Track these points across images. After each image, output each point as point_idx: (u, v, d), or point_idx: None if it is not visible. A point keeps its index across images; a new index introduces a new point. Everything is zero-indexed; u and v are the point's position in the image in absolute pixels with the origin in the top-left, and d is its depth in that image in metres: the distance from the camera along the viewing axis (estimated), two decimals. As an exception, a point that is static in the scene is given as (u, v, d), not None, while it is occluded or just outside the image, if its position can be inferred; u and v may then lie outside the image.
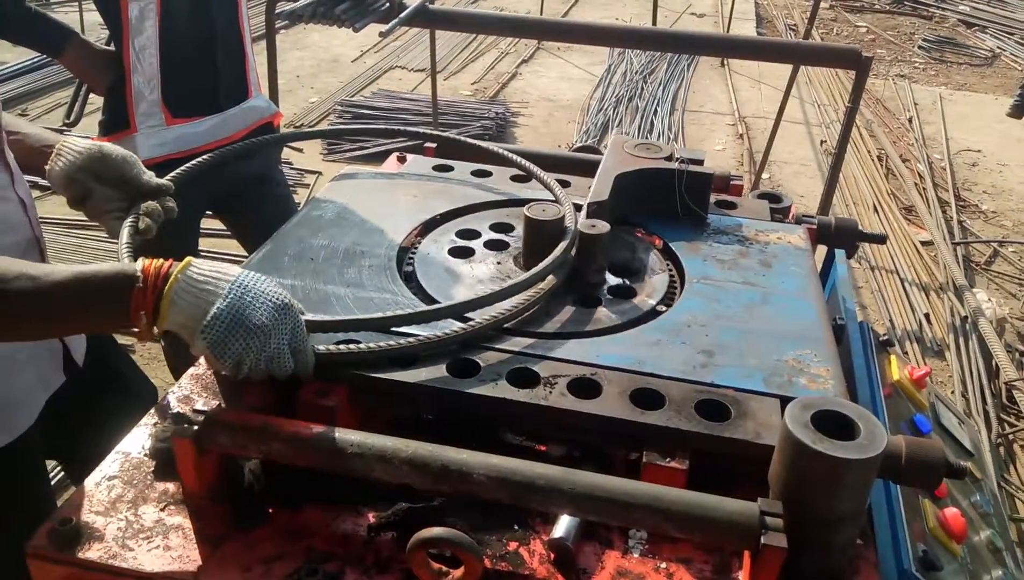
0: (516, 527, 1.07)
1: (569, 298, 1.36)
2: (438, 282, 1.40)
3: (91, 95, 2.53)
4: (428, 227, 1.59)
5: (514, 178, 1.79)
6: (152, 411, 1.25)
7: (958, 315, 4.06)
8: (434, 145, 1.99)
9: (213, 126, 2.38)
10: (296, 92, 6.59)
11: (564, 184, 1.67)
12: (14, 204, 1.39)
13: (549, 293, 1.30)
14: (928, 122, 6.60)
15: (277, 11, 3.46)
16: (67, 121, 2.56)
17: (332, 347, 1.15)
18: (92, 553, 1.01)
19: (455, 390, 1.12)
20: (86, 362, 1.60)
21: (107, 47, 2.34)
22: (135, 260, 1.07)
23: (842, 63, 3.04)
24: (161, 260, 1.04)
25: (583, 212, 1.47)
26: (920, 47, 8.68)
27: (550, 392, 1.12)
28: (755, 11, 9.60)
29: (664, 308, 1.37)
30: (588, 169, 1.69)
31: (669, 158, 1.65)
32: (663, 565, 1.03)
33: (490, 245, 1.53)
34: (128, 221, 1.34)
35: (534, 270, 1.31)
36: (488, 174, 1.82)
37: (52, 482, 1.76)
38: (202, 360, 1.34)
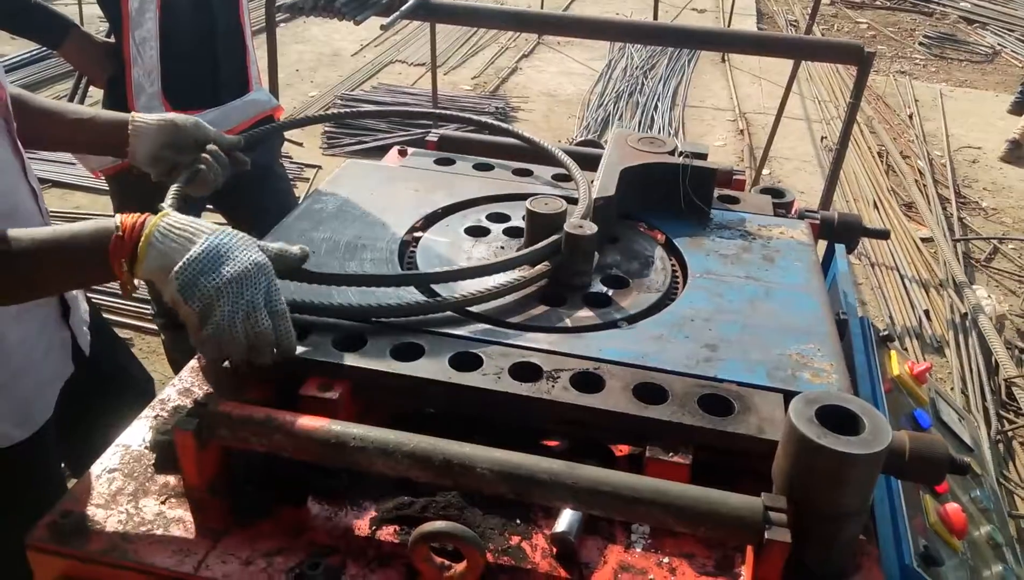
0: (518, 521, 1.06)
1: (539, 294, 1.34)
2: (435, 265, 1.39)
3: (91, 87, 2.52)
4: (430, 220, 1.58)
5: (516, 172, 1.79)
6: (153, 404, 1.24)
7: (958, 312, 4.06)
8: (435, 139, 1.99)
9: (213, 119, 2.35)
10: (296, 86, 6.58)
11: (565, 178, 1.67)
12: (25, 193, 1.39)
13: (529, 281, 1.30)
14: (928, 119, 6.59)
15: (277, 4, 3.46)
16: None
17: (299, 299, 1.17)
18: (93, 546, 1.00)
19: (457, 383, 1.12)
20: (92, 355, 1.60)
21: (107, 39, 2.33)
22: (177, 209, 1.14)
23: (844, 58, 3.04)
24: (139, 214, 1.07)
25: (579, 209, 1.45)
26: (921, 43, 8.68)
27: (553, 386, 1.12)
28: (756, 6, 9.59)
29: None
30: (589, 163, 1.69)
31: (673, 152, 1.64)
32: (666, 560, 1.02)
33: (491, 239, 1.52)
34: (182, 177, 1.41)
35: (516, 254, 1.31)
36: (490, 168, 1.81)
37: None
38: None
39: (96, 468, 1.12)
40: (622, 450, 1.19)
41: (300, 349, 1.14)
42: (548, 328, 1.26)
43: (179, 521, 1.05)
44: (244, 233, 1.08)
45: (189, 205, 1.51)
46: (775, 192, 1.78)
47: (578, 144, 2.11)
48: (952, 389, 3.55)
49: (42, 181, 4.74)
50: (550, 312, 1.30)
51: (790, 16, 9.30)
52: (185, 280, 1.01)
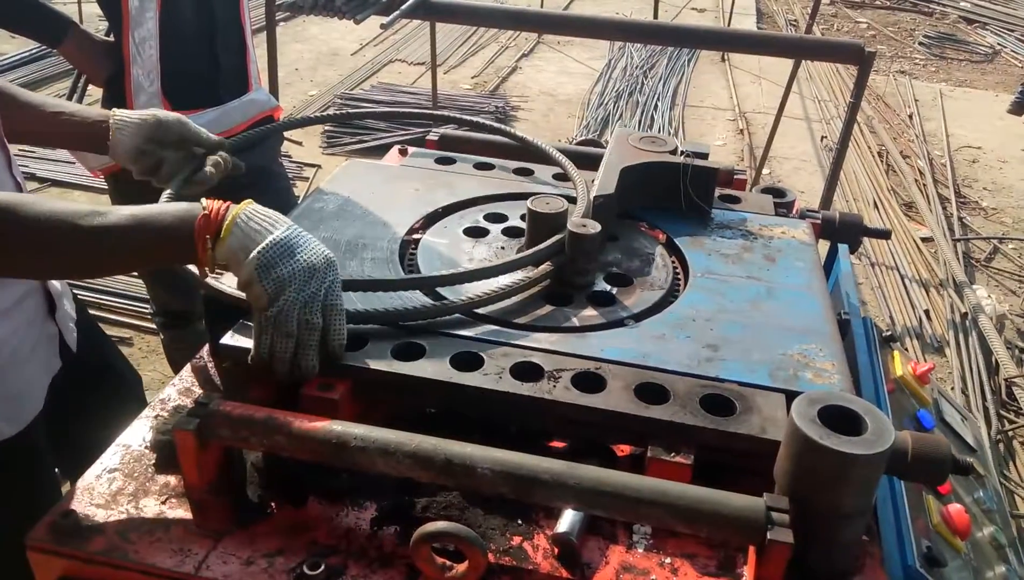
0: (520, 521, 1.06)
1: (543, 294, 1.34)
2: (436, 267, 1.39)
3: (90, 86, 2.52)
4: (430, 220, 1.58)
5: (517, 171, 1.78)
6: (153, 403, 1.24)
7: (958, 312, 4.06)
8: (436, 138, 1.98)
9: (213, 119, 2.37)
10: (295, 85, 6.57)
11: (564, 178, 1.66)
12: (11, 187, 1.38)
13: (534, 281, 1.30)
14: (928, 118, 6.59)
15: (277, 2, 3.45)
16: (66, 112, 2.54)
17: None
18: (92, 546, 1.00)
19: (458, 383, 1.11)
20: (79, 352, 1.60)
21: (107, 38, 2.32)
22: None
23: (845, 58, 3.03)
24: (223, 200, 1.11)
25: (579, 209, 1.45)
26: (921, 43, 8.67)
27: (554, 386, 1.11)
28: (756, 6, 9.59)
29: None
30: (591, 163, 1.68)
31: (674, 152, 1.64)
32: (668, 560, 1.02)
33: (491, 239, 1.52)
34: (181, 175, 1.41)
35: (520, 255, 1.31)
36: (491, 167, 1.81)
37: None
38: (204, 352, 1.34)
39: (96, 468, 1.12)
40: (623, 450, 1.19)
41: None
42: (553, 328, 1.26)
43: (179, 521, 1.04)
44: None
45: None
46: (776, 192, 1.78)
47: (579, 143, 2.11)
48: (952, 389, 3.55)
49: (41, 180, 4.73)
50: (555, 311, 1.30)
51: (790, 16, 9.29)
52: (265, 261, 1.05)
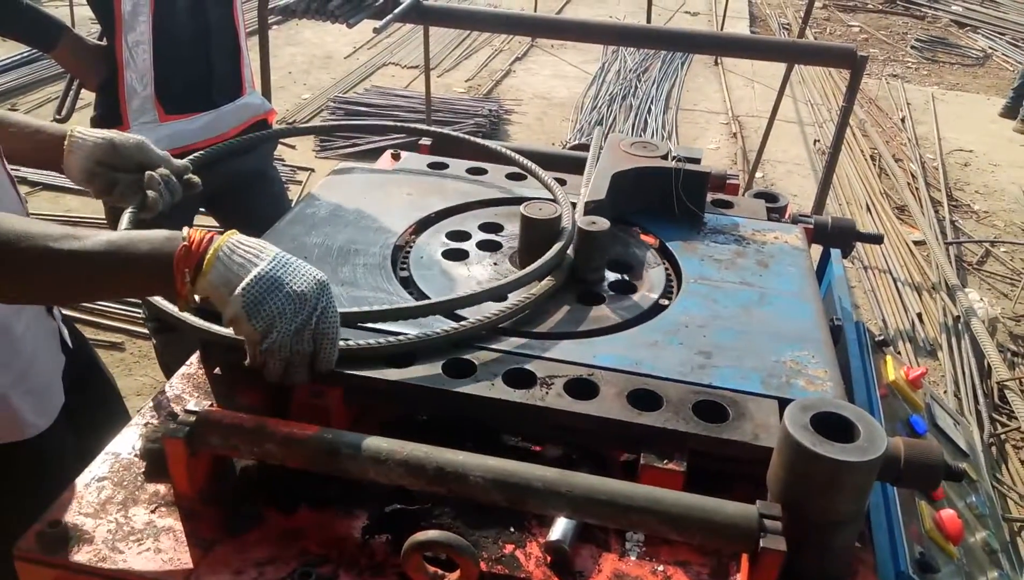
0: (512, 529, 1.05)
1: (569, 297, 1.35)
2: (433, 281, 1.39)
3: (83, 91, 2.50)
4: (423, 225, 1.57)
5: (510, 176, 1.78)
6: (143, 410, 1.23)
7: (950, 315, 4.07)
8: (429, 142, 1.98)
9: (207, 123, 2.36)
10: (288, 88, 6.56)
11: (560, 182, 1.66)
12: (6, 182, 1.39)
13: (546, 294, 1.29)
14: (921, 122, 6.62)
15: (270, 6, 3.44)
16: (58, 116, 2.53)
17: None
18: (81, 556, 0.99)
19: (450, 390, 1.11)
20: (73, 348, 1.61)
21: (99, 42, 2.31)
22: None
23: (837, 62, 3.04)
24: (206, 230, 1.06)
25: (579, 210, 1.46)
26: (913, 47, 8.71)
27: (547, 393, 1.11)
28: (749, 10, 9.61)
29: (667, 302, 1.37)
30: (584, 167, 1.68)
31: (666, 156, 1.64)
32: (660, 568, 1.02)
33: (485, 245, 1.51)
34: (136, 198, 1.36)
35: (528, 269, 1.30)
36: (483, 172, 1.80)
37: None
38: (194, 359, 1.33)
39: (85, 476, 1.11)
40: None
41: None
42: (582, 333, 1.27)
43: (169, 530, 1.04)
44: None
45: (180, 209, 1.51)
46: (769, 196, 1.78)
47: (572, 148, 2.11)
48: (945, 392, 3.56)
49: (32, 184, 4.71)
50: (582, 312, 1.31)
51: (783, 19, 9.32)
52: (251, 298, 1.01)
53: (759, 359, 1.21)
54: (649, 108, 6.42)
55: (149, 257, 1.04)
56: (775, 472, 0.94)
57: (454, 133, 1.89)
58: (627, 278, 1.43)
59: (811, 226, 1.68)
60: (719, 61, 7.64)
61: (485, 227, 1.56)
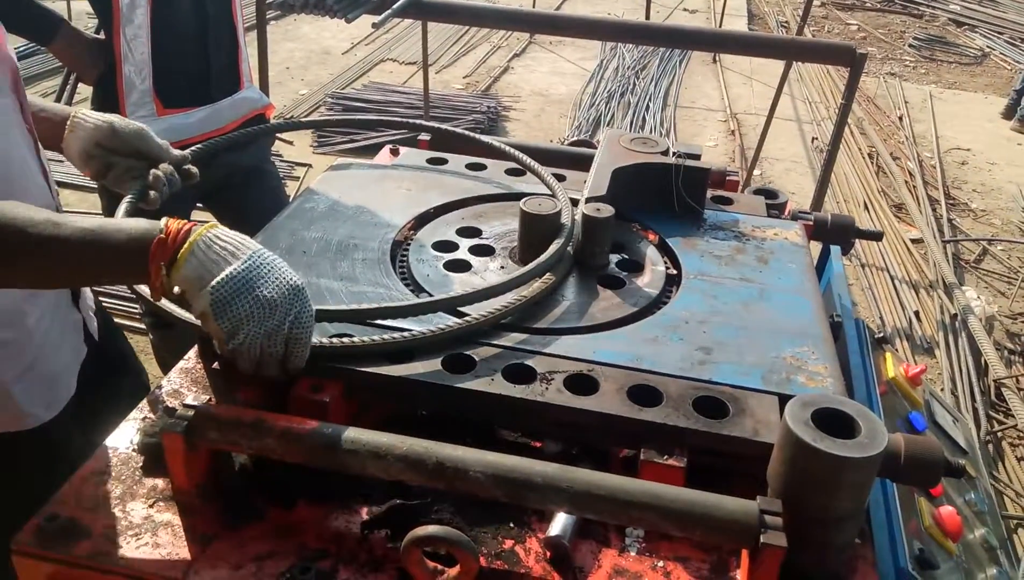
0: (512, 525, 1.05)
1: (569, 292, 1.35)
2: (432, 277, 1.38)
3: (80, 84, 2.50)
4: (422, 221, 1.57)
5: (509, 171, 1.78)
6: (140, 405, 1.23)
7: (948, 313, 4.08)
8: (428, 138, 1.98)
9: (204, 117, 2.35)
10: (286, 84, 6.54)
11: (559, 178, 1.66)
12: (36, 172, 1.39)
13: (546, 291, 1.29)
14: (918, 120, 6.62)
15: (268, 1, 3.43)
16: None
17: (325, 340, 1.13)
18: (79, 550, 0.99)
19: (450, 386, 1.10)
20: (100, 341, 1.61)
21: (97, 36, 2.30)
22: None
23: (836, 60, 3.04)
24: (186, 221, 1.05)
25: (580, 206, 1.46)
26: (911, 45, 8.71)
27: (547, 388, 1.11)
28: (747, 7, 9.61)
29: (672, 275, 1.39)
30: (584, 163, 1.68)
31: (666, 153, 1.63)
32: (660, 563, 1.02)
33: (485, 242, 1.51)
34: (135, 187, 1.35)
35: (531, 266, 1.29)
36: (483, 167, 1.80)
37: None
38: (192, 353, 1.32)
39: (83, 471, 1.11)
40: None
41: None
42: (582, 329, 1.27)
43: (167, 525, 1.03)
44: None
45: (176, 203, 1.51)
46: (768, 193, 1.78)
47: (571, 144, 2.10)
48: (942, 390, 3.57)
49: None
50: (582, 307, 1.32)
51: (781, 17, 9.32)
52: (219, 298, 1.00)
53: (759, 355, 1.20)
54: (647, 105, 6.42)
55: (126, 246, 1.03)
56: (776, 468, 0.94)
57: (453, 129, 1.88)
58: (627, 257, 1.45)
59: (811, 223, 1.68)
60: (717, 59, 7.63)
61: (485, 223, 1.56)
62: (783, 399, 1.09)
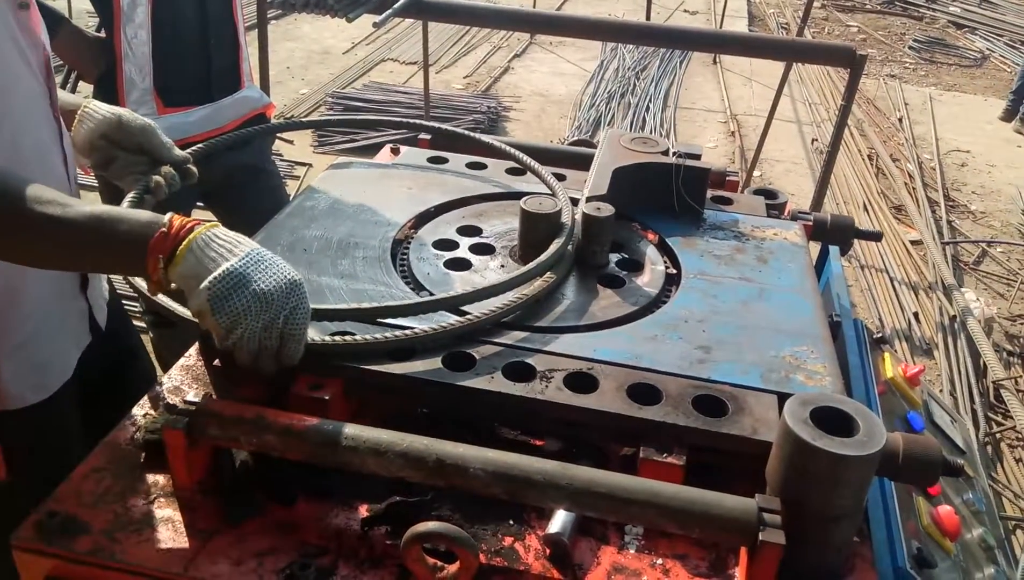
0: (511, 522, 1.05)
1: (570, 290, 1.35)
2: (433, 275, 1.39)
3: (80, 82, 2.50)
4: (422, 219, 1.57)
5: (509, 171, 1.78)
6: (141, 402, 1.23)
7: (947, 314, 4.08)
8: (428, 137, 1.98)
9: (205, 116, 2.36)
10: (286, 83, 6.55)
11: (560, 177, 1.66)
12: (57, 161, 1.40)
13: (546, 291, 1.29)
14: (918, 122, 6.63)
15: (268, 0, 3.44)
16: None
17: (327, 338, 1.13)
18: (80, 546, 0.99)
19: (450, 383, 1.11)
20: (108, 332, 1.61)
21: (98, 34, 2.31)
22: None
23: (836, 61, 3.04)
24: (190, 218, 1.06)
25: (581, 206, 1.46)
26: (911, 47, 8.72)
27: (546, 386, 1.11)
28: (747, 9, 9.62)
29: (671, 274, 1.39)
30: (584, 163, 1.68)
31: (666, 152, 1.64)
32: (659, 561, 1.02)
33: (485, 241, 1.51)
34: (139, 184, 1.36)
35: (532, 265, 1.30)
36: (483, 166, 1.80)
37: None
38: (192, 350, 1.33)
39: (83, 466, 1.11)
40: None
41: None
42: (582, 327, 1.27)
43: (168, 521, 1.03)
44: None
45: (177, 201, 1.51)
46: (768, 193, 1.78)
47: (571, 144, 2.11)
48: (941, 391, 3.57)
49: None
50: (582, 306, 1.32)
51: (781, 19, 9.33)
52: (216, 293, 1.00)
53: (758, 354, 1.21)
54: (647, 106, 6.42)
55: (127, 237, 1.04)
56: (774, 466, 0.94)
57: (454, 129, 1.88)
58: (627, 257, 1.46)
59: (810, 223, 1.68)
60: (717, 60, 7.64)
61: (485, 222, 1.56)
62: (782, 398, 1.09)
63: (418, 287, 1.36)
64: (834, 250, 1.78)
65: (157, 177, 1.38)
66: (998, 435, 3.36)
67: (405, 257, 1.45)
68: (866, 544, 1.05)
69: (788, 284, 1.41)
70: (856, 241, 1.79)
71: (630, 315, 1.30)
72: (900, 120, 6.59)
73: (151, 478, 1.10)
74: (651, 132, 5.98)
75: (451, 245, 1.48)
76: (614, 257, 1.46)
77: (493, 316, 1.20)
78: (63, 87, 2.53)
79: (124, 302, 3.68)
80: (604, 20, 3.70)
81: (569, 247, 1.39)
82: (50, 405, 1.44)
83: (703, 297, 1.35)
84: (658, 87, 6.80)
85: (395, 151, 1.91)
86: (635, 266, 1.45)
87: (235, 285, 1.01)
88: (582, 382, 1.12)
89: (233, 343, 1.03)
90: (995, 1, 10.02)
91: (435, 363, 1.14)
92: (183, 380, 1.27)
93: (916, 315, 4.13)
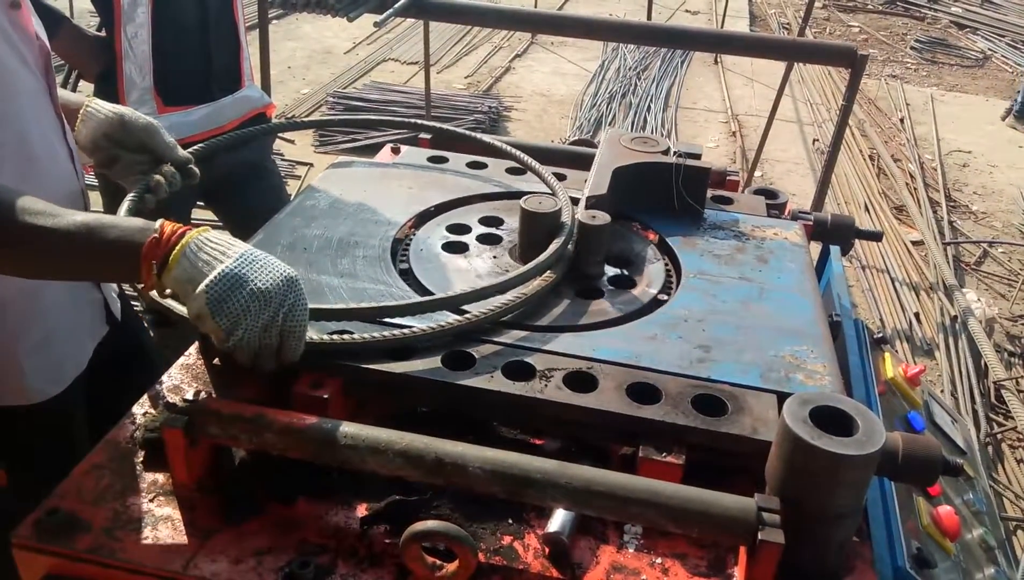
0: (510, 521, 1.05)
1: (568, 291, 1.35)
2: (433, 275, 1.39)
3: (81, 81, 2.50)
4: (423, 218, 1.57)
5: (509, 170, 1.78)
6: (141, 400, 1.23)
7: (948, 315, 4.08)
8: (429, 137, 1.98)
9: (205, 115, 2.36)
10: (287, 83, 6.55)
11: (560, 177, 1.66)
12: (64, 157, 1.40)
13: (547, 289, 1.29)
14: (919, 122, 6.62)
15: None
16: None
17: (326, 337, 1.13)
18: (79, 544, 0.99)
19: (450, 382, 1.11)
20: (120, 325, 1.62)
21: (98, 33, 2.31)
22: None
23: (837, 61, 3.04)
24: (180, 224, 1.06)
25: (581, 205, 1.46)
26: (912, 48, 8.71)
27: (546, 385, 1.11)
28: (749, 9, 9.61)
29: (665, 297, 1.37)
30: (584, 162, 1.68)
31: (666, 152, 1.64)
32: (658, 560, 1.02)
33: (485, 238, 1.51)
34: (140, 184, 1.36)
35: (532, 264, 1.29)
36: (483, 166, 1.80)
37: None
38: (192, 349, 1.33)
39: (84, 464, 1.11)
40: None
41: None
42: (582, 326, 1.27)
43: (167, 519, 1.03)
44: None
45: (178, 201, 1.51)
46: (769, 193, 1.78)
47: (572, 143, 2.11)
48: (942, 391, 3.57)
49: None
50: (582, 305, 1.32)
51: (782, 19, 9.32)
52: (214, 296, 1.00)
53: (758, 353, 1.21)
54: (648, 106, 6.42)
55: (119, 244, 1.04)
56: (773, 465, 0.94)
57: (454, 128, 1.88)
58: (626, 273, 1.43)
59: (811, 223, 1.68)
60: (719, 60, 7.64)
61: (485, 221, 1.56)
62: (781, 397, 1.09)
63: (418, 287, 1.35)
64: (835, 250, 1.77)
65: (157, 176, 1.38)
66: (999, 436, 3.36)
67: (405, 256, 1.45)
68: (866, 544, 1.05)
69: (788, 284, 1.40)
70: (857, 241, 1.79)
71: (630, 314, 1.30)
72: (901, 120, 6.58)
73: (151, 476, 1.10)
74: (652, 132, 5.97)
75: (452, 244, 1.48)
76: (611, 271, 1.44)
77: (492, 315, 1.20)
78: (64, 86, 2.53)
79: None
80: (605, 20, 3.70)
81: (569, 246, 1.38)
82: (66, 397, 1.46)
83: (703, 296, 1.35)
84: (659, 87, 6.80)
85: (395, 151, 1.91)
86: (628, 284, 1.41)
87: (232, 286, 1.01)
88: (582, 381, 1.12)
89: (234, 344, 1.03)
90: (997, 1, 10.01)
91: (435, 362, 1.14)
92: (183, 379, 1.27)
93: (917, 316, 4.12)
